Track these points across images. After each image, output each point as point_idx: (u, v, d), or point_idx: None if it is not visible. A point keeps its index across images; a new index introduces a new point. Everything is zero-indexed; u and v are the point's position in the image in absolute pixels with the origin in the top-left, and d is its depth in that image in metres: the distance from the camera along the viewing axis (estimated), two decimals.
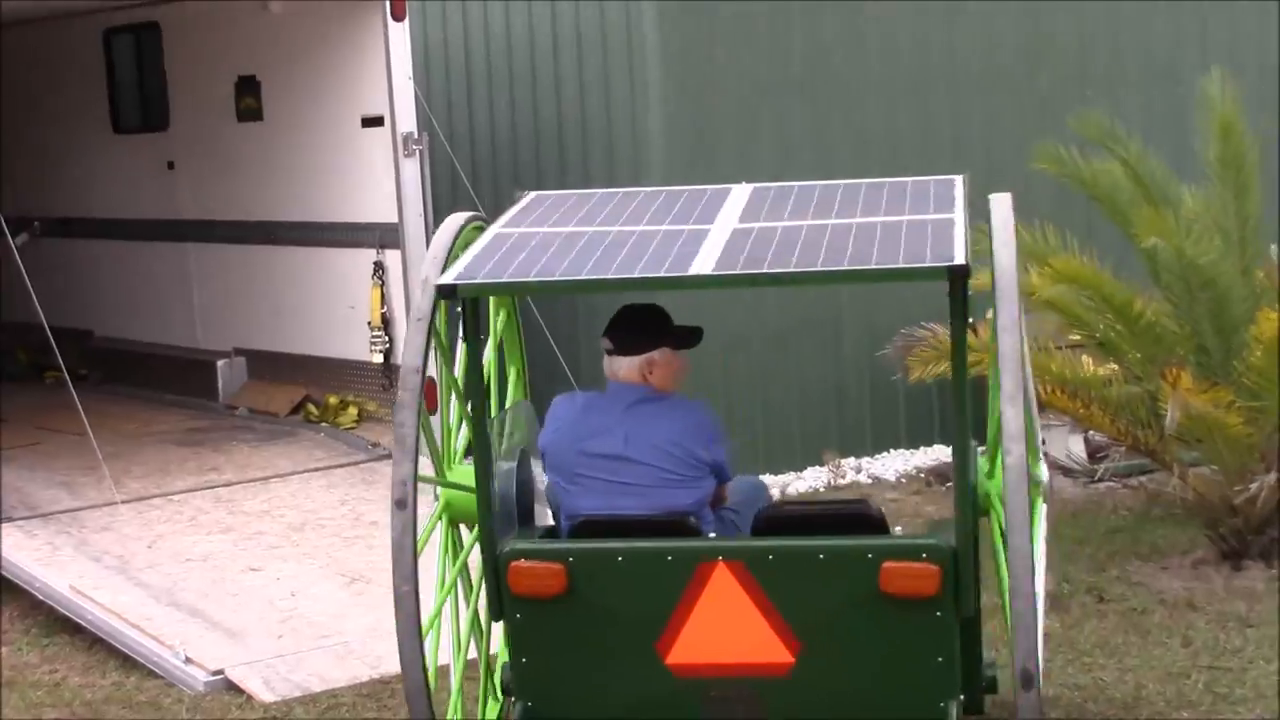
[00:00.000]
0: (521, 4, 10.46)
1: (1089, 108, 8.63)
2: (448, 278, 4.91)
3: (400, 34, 9.46)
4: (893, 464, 9.91)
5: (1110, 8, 10.94)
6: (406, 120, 9.47)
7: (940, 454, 10.02)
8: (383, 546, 8.10)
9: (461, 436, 5.56)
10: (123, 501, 8.49)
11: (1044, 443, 5.56)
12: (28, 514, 8.68)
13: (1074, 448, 9.32)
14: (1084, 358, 8.30)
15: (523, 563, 5.06)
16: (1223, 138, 7.97)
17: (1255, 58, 10.91)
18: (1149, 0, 10.98)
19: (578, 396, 5.59)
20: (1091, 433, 9.21)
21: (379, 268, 9.92)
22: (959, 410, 4.90)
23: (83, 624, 7.44)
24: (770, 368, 9.84)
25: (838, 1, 10.19)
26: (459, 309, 5.13)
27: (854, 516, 5.21)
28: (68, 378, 8.36)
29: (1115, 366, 8.19)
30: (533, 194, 5.81)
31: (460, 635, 5.48)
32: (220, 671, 6.79)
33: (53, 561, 7.98)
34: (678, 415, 5.35)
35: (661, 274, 4.78)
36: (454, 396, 5.43)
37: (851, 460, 9.99)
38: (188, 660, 6.86)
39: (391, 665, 6.69)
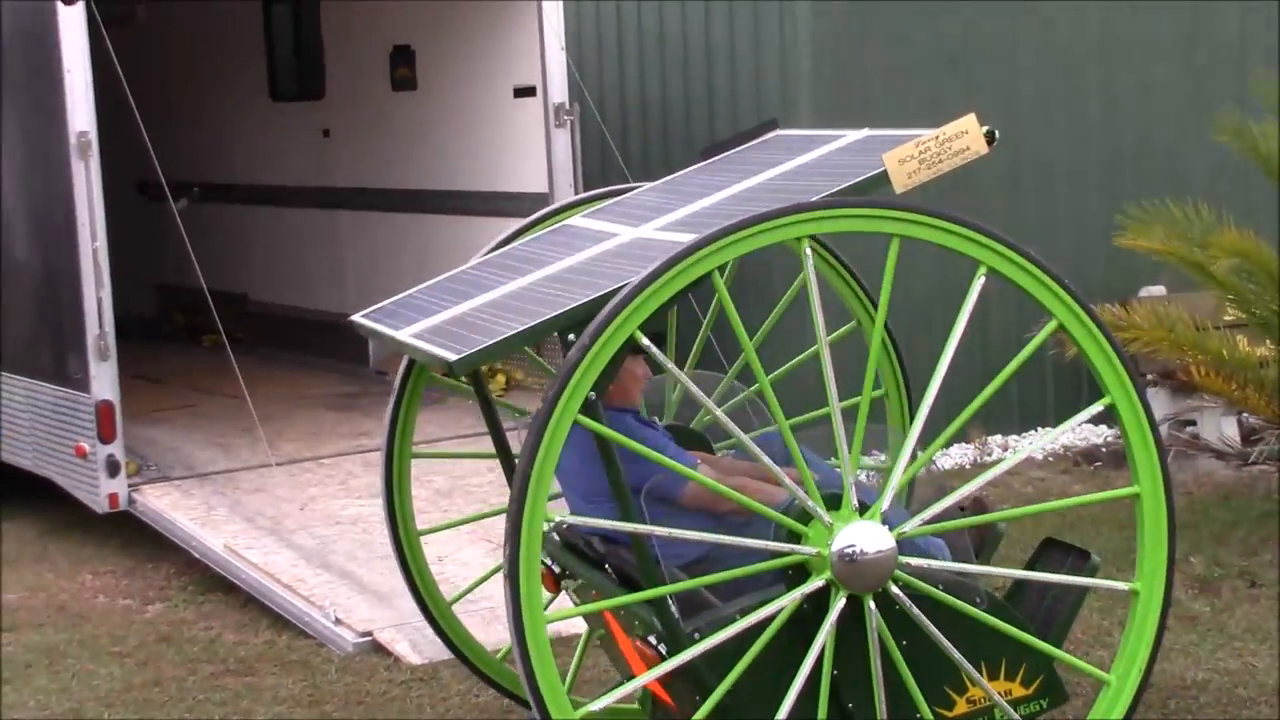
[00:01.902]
0: None
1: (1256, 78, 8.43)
2: (360, 315, 5.28)
3: (553, 4, 9.52)
4: (1040, 442, 9.81)
5: None
6: (558, 91, 9.54)
7: (1089, 433, 9.91)
8: None
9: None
10: (276, 464, 8.66)
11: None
12: (184, 473, 8.89)
13: (1227, 430, 9.18)
14: (1239, 338, 8.16)
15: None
16: None
17: None
18: None
19: None
20: (1245, 415, 9.06)
21: None
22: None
23: (237, 583, 7.62)
24: (914, 344, 9.76)
25: None
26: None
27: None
28: (225, 341, 8.54)
29: (1273, 347, 8.04)
30: (776, 132, 5.83)
31: None
32: (369, 633, 6.93)
33: (209, 521, 8.17)
34: (587, 435, 4.63)
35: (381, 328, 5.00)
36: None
37: (998, 438, 9.91)
38: (338, 621, 7.00)
39: None
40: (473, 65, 10.41)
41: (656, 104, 10.73)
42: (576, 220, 5.63)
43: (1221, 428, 9.16)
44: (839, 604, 4.48)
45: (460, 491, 8.58)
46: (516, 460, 5.44)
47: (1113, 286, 9.64)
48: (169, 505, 8.33)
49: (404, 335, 4.85)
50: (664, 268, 4.31)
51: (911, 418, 5.68)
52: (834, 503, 4.56)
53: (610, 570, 5.00)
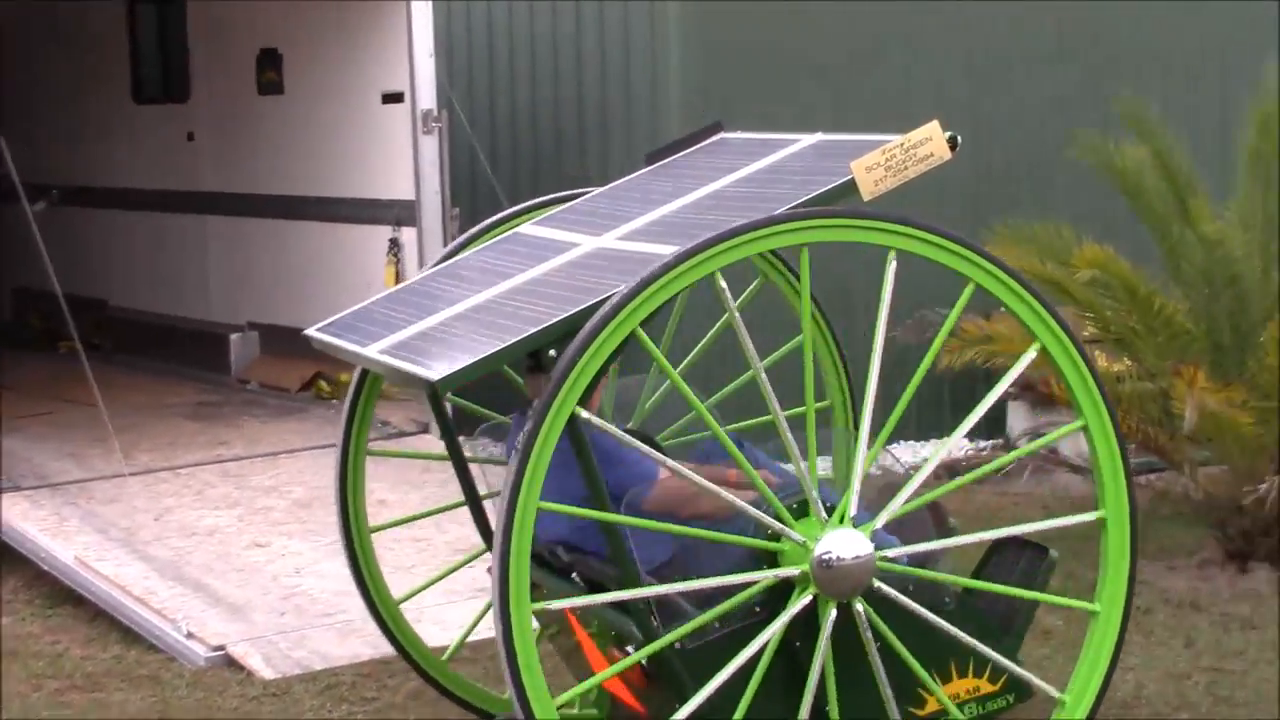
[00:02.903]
0: None
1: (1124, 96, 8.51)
2: (314, 329, 5.30)
3: (423, 10, 9.46)
4: (902, 455, 9.86)
5: (1140, 5, 10.90)
6: (426, 97, 9.48)
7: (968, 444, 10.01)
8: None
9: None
10: (131, 474, 8.49)
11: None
12: (36, 483, 8.68)
13: (1085, 444, 9.26)
14: (1098, 353, 8.25)
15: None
16: (1261, 131, 7.86)
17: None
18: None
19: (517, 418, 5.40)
20: None
21: (395, 245, 9.90)
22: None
23: (86, 595, 7.44)
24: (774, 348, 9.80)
25: None
26: None
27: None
28: (80, 348, 8.37)
29: (1129, 363, 8.14)
30: (720, 135, 5.84)
31: None
32: (222, 647, 6.80)
33: (59, 532, 7.98)
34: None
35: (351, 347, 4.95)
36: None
37: (894, 446, 9.94)
38: (189, 635, 6.87)
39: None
40: (340, 70, 10.30)
41: (526, 109, 10.69)
42: (526, 229, 5.59)
43: (1079, 442, 9.24)
44: (802, 601, 4.53)
45: (320, 503, 8.47)
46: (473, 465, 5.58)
47: (975, 301, 9.70)
48: (18, 515, 8.13)
49: (371, 352, 4.79)
50: (652, 277, 4.32)
51: (855, 423, 5.77)
52: (802, 509, 4.63)
53: (578, 578, 5.00)
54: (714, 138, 5.83)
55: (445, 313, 4.89)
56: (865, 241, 4.59)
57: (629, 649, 4.59)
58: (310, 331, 5.32)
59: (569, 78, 10.37)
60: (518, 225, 5.66)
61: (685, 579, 4.62)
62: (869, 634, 4.60)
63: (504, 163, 10.71)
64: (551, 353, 4.39)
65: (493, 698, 5.85)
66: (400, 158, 9.73)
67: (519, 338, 4.41)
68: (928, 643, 4.70)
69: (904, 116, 9.98)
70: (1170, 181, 8.07)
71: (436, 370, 4.37)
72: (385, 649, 6.65)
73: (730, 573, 4.61)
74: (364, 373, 5.54)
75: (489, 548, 5.46)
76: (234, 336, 11.25)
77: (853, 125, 10.00)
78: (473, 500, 5.58)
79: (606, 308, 4.31)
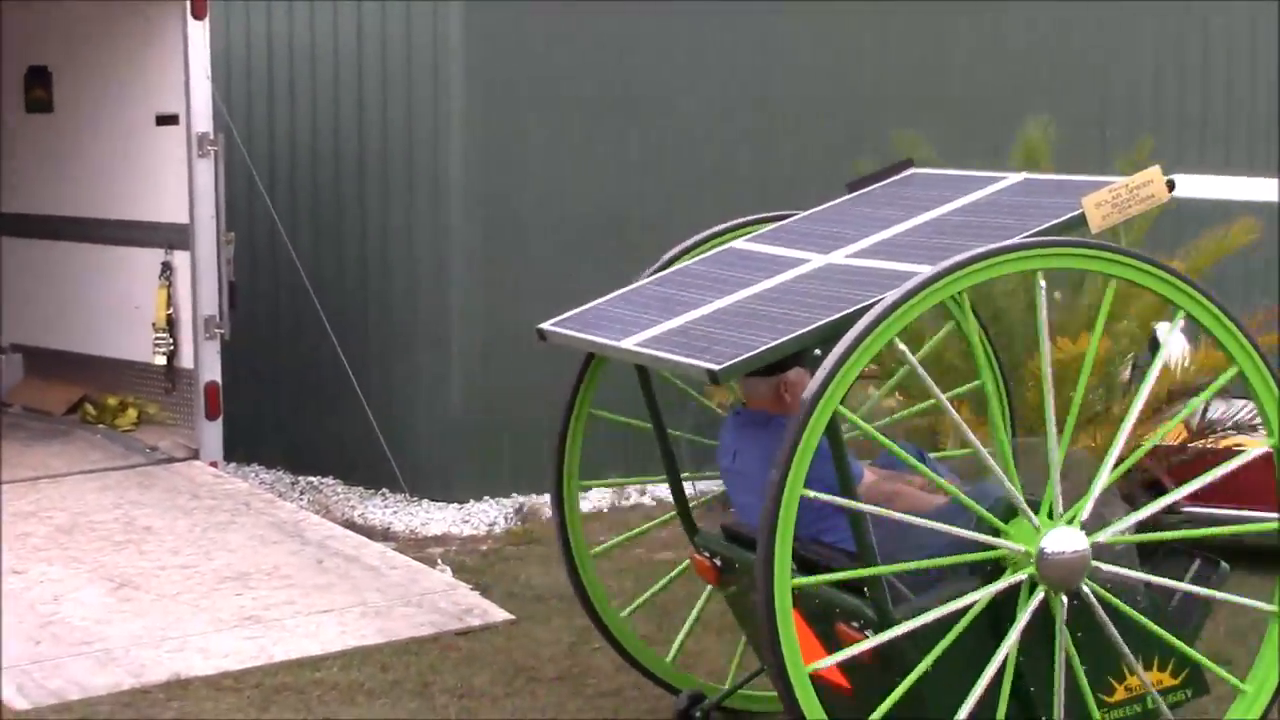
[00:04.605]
0: (326, 4, 10.35)
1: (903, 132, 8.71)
2: (549, 323, 5.66)
3: (200, 32, 9.31)
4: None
5: (916, 48, 11.18)
6: (202, 120, 9.32)
7: None
8: (155, 552, 7.96)
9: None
10: None
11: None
12: None
13: None
14: (870, 389, 8.38)
15: (694, 552, 5.82)
16: (1024, 166, 8.10)
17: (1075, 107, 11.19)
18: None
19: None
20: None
21: (167, 268, 9.70)
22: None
23: None
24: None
25: (646, 18, 10.27)
26: None
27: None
28: None
29: (900, 397, 8.28)
30: (912, 170, 6.30)
31: None
32: None
33: None
34: (773, 439, 4.96)
35: (600, 339, 5.42)
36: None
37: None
38: None
39: (154, 674, 6.56)
40: (113, 91, 10.08)
41: (306, 135, 10.57)
42: (740, 244, 6.02)
43: None
44: (1036, 599, 4.87)
45: (82, 529, 8.24)
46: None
47: None
48: None
49: (630, 344, 5.22)
50: (917, 288, 4.69)
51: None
52: (1010, 513, 4.96)
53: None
54: (906, 172, 6.31)
55: (693, 313, 5.31)
56: (1100, 271, 4.98)
57: (854, 625, 4.90)
58: (546, 325, 5.64)
59: (350, 97, 10.29)
60: (728, 241, 6.11)
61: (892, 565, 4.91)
62: (1102, 613, 4.96)
63: (282, 184, 10.57)
64: (816, 352, 4.76)
65: (682, 676, 6.33)
66: (174, 180, 9.54)
67: (790, 336, 4.83)
68: (1124, 634, 5.03)
69: (692, 154, 10.20)
70: None
71: (715, 362, 4.77)
72: (147, 678, 6.52)
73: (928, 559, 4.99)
74: (585, 365, 5.97)
75: (690, 532, 5.98)
76: None
77: (634, 154, 10.16)
78: (676, 486, 6.07)
79: (877, 310, 4.67)
